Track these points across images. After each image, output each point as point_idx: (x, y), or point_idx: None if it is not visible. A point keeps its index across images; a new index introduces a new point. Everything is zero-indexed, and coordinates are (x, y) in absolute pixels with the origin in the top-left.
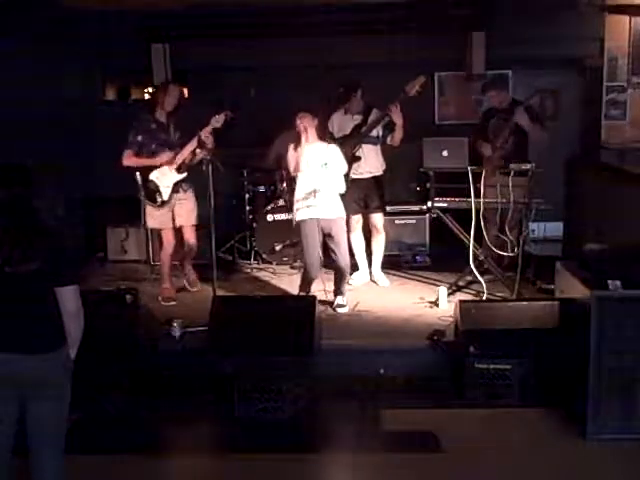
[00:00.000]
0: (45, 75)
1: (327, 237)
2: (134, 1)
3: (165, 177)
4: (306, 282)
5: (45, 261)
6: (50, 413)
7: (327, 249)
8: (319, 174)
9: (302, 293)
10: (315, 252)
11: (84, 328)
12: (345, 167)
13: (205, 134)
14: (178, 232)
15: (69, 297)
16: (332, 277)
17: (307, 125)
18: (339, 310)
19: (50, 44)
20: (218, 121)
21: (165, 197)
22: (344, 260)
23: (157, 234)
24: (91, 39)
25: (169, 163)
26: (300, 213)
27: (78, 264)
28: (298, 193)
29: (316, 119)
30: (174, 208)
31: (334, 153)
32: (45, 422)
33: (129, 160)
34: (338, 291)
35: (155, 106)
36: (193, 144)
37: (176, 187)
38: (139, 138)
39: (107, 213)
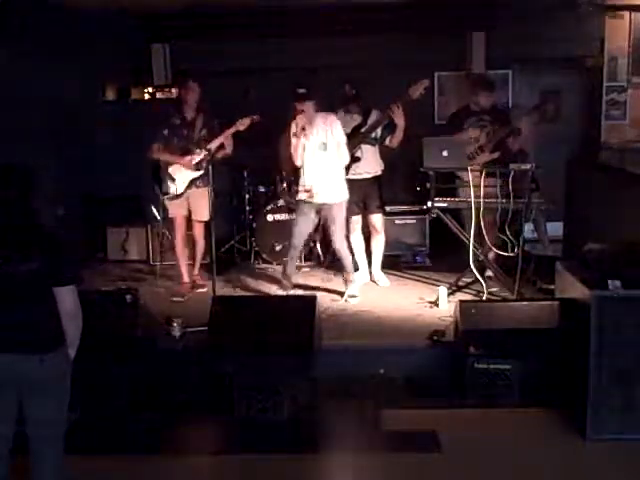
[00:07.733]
0: (45, 75)
1: (327, 221)
2: (134, 1)
3: (182, 172)
4: (287, 261)
5: (44, 261)
6: (49, 413)
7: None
8: (319, 159)
9: (285, 273)
10: (302, 235)
11: (83, 328)
12: (344, 136)
13: (226, 135)
14: (189, 226)
15: (68, 297)
16: (333, 277)
17: (304, 111)
18: (351, 301)
19: (50, 44)
20: (243, 124)
21: (179, 191)
22: (341, 243)
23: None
24: (91, 39)
25: (187, 165)
26: (301, 194)
27: (77, 264)
28: (301, 181)
29: (310, 102)
30: (189, 200)
31: (333, 127)
32: (44, 422)
33: (157, 153)
34: (346, 280)
35: (181, 103)
36: (218, 141)
37: (191, 184)
38: (165, 132)
39: (107, 213)
